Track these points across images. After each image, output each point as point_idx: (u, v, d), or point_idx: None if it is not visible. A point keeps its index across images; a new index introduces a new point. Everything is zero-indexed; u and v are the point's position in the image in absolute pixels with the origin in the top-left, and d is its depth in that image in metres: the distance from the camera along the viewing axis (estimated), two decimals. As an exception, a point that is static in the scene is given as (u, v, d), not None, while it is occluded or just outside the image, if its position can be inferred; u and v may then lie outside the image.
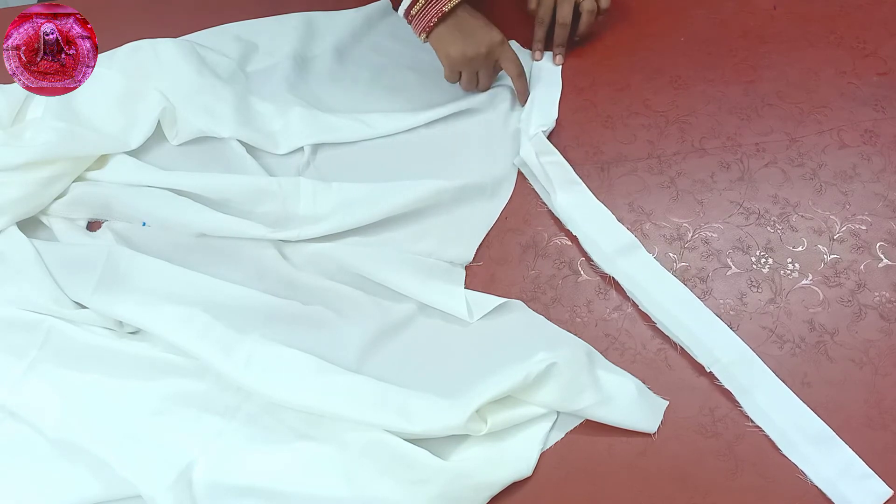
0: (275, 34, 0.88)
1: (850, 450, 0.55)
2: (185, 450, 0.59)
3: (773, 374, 0.59)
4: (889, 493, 0.54)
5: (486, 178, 0.72)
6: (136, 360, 0.63)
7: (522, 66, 0.75)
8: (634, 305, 0.64)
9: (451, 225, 0.70)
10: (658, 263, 0.66)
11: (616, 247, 0.66)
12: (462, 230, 0.70)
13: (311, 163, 0.76)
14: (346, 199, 0.70)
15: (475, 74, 0.76)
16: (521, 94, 0.77)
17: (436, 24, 0.70)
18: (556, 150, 0.72)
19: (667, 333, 0.62)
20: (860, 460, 0.55)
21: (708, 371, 0.59)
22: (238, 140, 0.75)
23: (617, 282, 0.65)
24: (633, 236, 0.67)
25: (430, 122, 0.77)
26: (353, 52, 0.86)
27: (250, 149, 0.76)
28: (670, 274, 0.65)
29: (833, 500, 0.54)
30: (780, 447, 0.56)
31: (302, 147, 0.76)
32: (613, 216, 0.69)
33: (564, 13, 0.77)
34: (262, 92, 0.82)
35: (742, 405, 0.58)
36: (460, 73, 0.75)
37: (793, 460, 0.56)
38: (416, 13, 0.70)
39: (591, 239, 0.67)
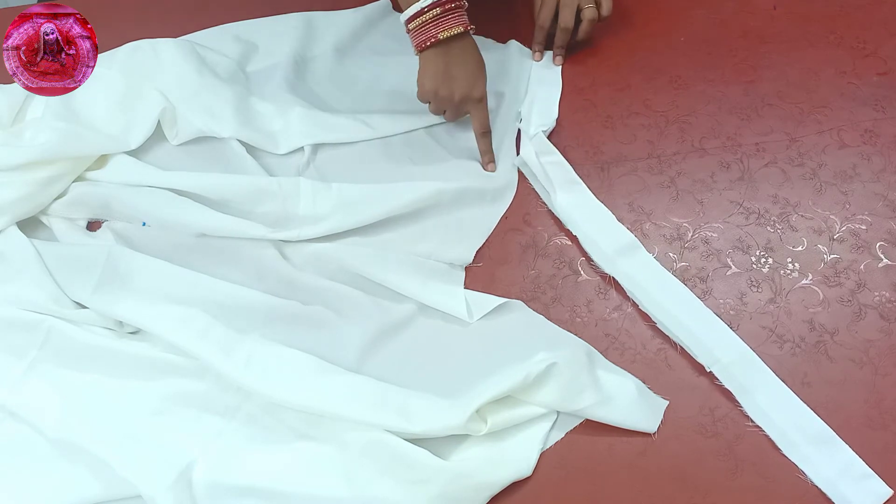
0: (274, 34, 0.88)
1: (851, 450, 0.55)
2: (185, 450, 0.59)
3: (774, 374, 0.59)
4: (889, 493, 0.53)
5: (487, 182, 0.72)
6: (136, 360, 0.63)
7: (489, 126, 0.74)
8: (634, 305, 0.64)
9: (451, 226, 0.70)
10: (658, 263, 0.65)
11: (616, 247, 0.66)
12: (462, 232, 0.70)
13: (311, 163, 0.76)
14: (345, 200, 0.70)
15: (442, 110, 0.75)
16: (484, 153, 0.74)
17: (428, 47, 0.69)
18: (557, 150, 0.72)
19: (667, 333, 0.62)
20: (860, 460, 0.55)
21: (708, 371, 0.59)
22: (238, 140, 0.75)
23: (617, 282, 0.65)
24: (633, 236, 0.67)
25: (430, 124, 0.77)
26: (352, 53, 0.86)
27: (250, 149, 0.76)
28: (670, 274, 0.65)
29: (833, 500, 0.54)
30: (780, 447, 0.56)
31: (302, 147, 0.76)
32: (613, 216, 0.69)
33: (566, 18, 0.77)
34: (262, 92, 0.81)
35: (742, 405, 0.58)
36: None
37: (793, 460, 0.56)
38: (414, 28, 0.68)
39: (591, 239, 0.67)
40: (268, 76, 0.84)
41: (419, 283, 0.66)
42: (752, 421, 0.57)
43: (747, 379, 0.58)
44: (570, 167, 0.71)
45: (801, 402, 0.57)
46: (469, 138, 0.76)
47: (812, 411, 0.57)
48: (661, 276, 0.65)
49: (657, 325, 0.62)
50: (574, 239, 0.68)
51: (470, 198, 0.71)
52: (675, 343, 0.61)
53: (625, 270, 0.65)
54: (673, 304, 0.62)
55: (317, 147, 0.77)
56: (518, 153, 0.75)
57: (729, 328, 0.61)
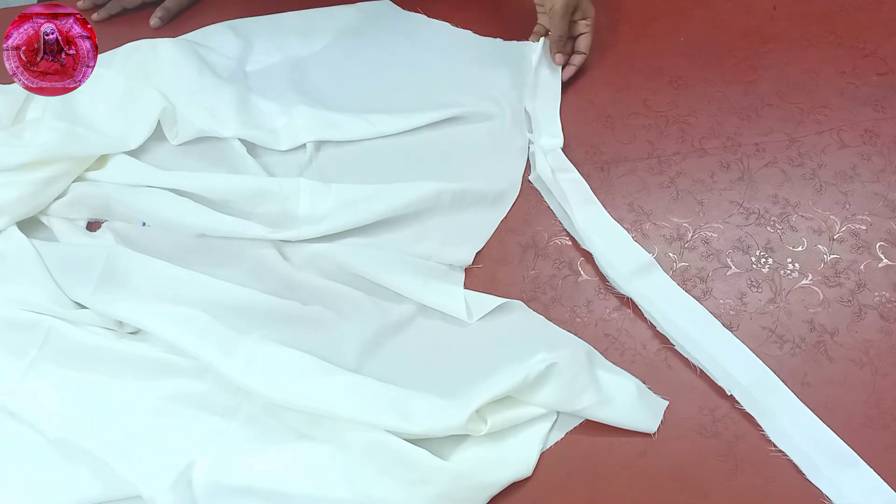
0: (273, 33, 0.88)
1: (875, 473, 0.54)
2: (185, 450, 0.59)
3: (795, 397, 0.57)
4: None
5: (488, 187, 0.72)
6: (136, 360, 0.63)
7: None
8: (652, 326, 0.63)
9: (451, 228, 0.70)
10: (675, 284, 0.64)
11: (633, 267, 0.65)
12: (462, 234, 0.70)
13: (312, 161, 0.76)
14: (345, 200, 0.70)
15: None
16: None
17: None
18: (574, 167, 0.71)
19: (685, 355, 0.61)
20: (885, 484, 0.54)
21: (728, 395, 0.58)
22: (239, 140, 0.75)
23: (634, 303, 0.64)
24: (650, 256, 0.66)
25: (434, 126, 0.77)
26: (352, 49, 0.86)
27: (251, 148, 0.76)
28: (689, 295, 0.63)
29: None
30: (804, 472, 0.55)
31: (304, 145, 0.76)
32: (629, 236, 0.67)
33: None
34: (263, 90, 0.81)
35: (764, 429, 0.57)
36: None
37: (818, 486, 0.54)
38: None
39: (607, 259, 0.66)
40: (268, 75, 0.84)
41: (419, 283, 0.66)
42: (775, 445, 0.56)
43: (769, 402, 0.57)
44: (587, 184, 0.70)
45: (825, 425, 0.56)
46: (472, 142, 0.75)
47: (835, 434, 0.56)
48: (679, 296, 0.63)
49: (675, 347, 0.61)
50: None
51: (470, 199, 0.71)
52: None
53: (641, 291, 0.64)
54: (691, 325, 0.61)
55: (319, 145, 0.77)
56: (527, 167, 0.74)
57: (749, 350, 0.60)
